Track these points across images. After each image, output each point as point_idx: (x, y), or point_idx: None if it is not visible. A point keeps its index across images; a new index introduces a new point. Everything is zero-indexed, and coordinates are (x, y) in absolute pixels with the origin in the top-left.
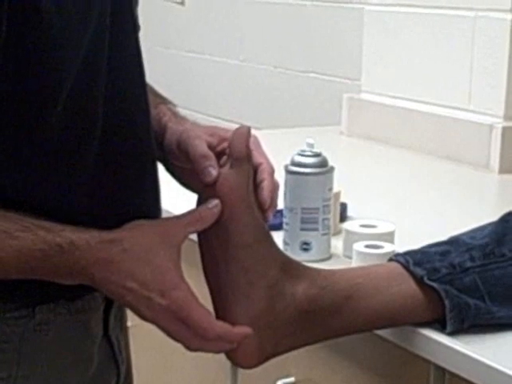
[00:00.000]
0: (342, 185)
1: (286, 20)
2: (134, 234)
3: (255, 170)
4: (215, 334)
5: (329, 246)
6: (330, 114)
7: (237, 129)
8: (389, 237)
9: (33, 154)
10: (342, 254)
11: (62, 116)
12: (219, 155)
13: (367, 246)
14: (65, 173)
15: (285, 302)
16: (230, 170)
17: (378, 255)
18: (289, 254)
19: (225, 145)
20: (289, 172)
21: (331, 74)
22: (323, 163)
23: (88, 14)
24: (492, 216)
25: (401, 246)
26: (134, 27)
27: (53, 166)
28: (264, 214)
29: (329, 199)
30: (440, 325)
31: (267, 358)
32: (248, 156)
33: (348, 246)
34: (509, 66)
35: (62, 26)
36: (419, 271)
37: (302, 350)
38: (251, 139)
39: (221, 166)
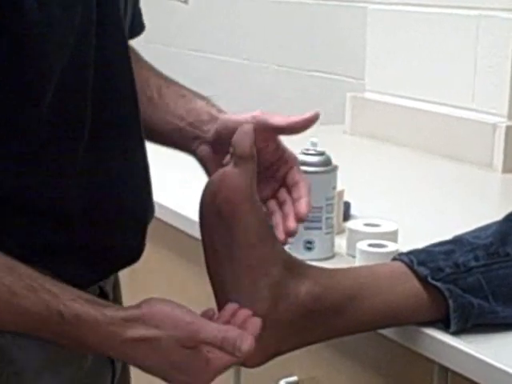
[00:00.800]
0: (346, 184)
1: (290, 19)
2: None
3: (293, 183)
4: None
5: (332, 244)
6: (333, 113)
7: (240, 127)
8: (392, 236)
9: (21, 150)
10: (345, 253)
11: (49, 112)
12: None
13: (371, 245)
14: (54, 167)
15: (288, 301)
16: (233, 169)
17: (382, 254)
18: (292, 252)
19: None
20: None
21: (335, 73)
22: (327, 162)
23: (72, 9)
24: (495, 215)
25: (404, 245)
26: (121, 21)
27: (42, 160)
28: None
29: (332, 198)
30: (444, 324)
31: (270, 357)
32: (252, 155)
33: (351, 245)
34: None
35: (44, 22)
36: (423, 270)
37: (305, 350)
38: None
39: (224, 165)
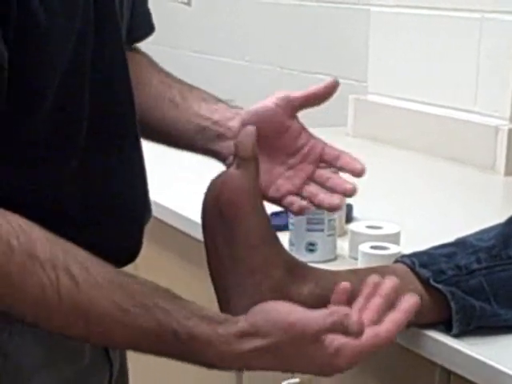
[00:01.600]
0: None
1: (293, 21)
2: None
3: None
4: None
5: (334, 246)
6: (335, 115)
7: (243, 129)
8: (394, 238)
9: (18, 150)
10: (347, 255)
11: (48, 112)
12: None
13: (373, 247)
14: (51, 167)
15: (290, 302)
16: (236, 171)
17: (384, 256)
18: (294, 254)
19: None
20: None
21: (337, 75)
22: None
23: (73, 11)
24: (498, 218)
25: (406, 247)
26: (117, 22)
27: (39, 160)
28: None
29: None
30: (446, 327)
31: None
32: (254, 156)
33: (354, 247)
34: None
35: (49, 23)
36: (425, 273)
37: None
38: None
39: (227, 167)
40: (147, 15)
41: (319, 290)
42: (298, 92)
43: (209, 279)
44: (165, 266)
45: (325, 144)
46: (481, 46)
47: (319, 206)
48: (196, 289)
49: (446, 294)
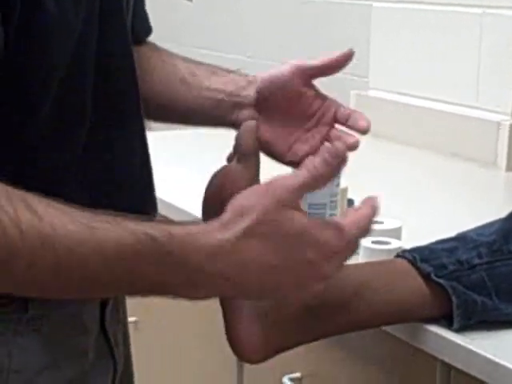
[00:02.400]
0: (349, 181)
1: (294, 16)
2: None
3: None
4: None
5: None
6: None
7: (244, 124)
8: (396, 233)
9: (22, 142)
10: None
11: (53, 105)
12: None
13: (374, 242)
14: (55, 160)
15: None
16: (237, 165)
17: (385, 251)
18: None
19: None
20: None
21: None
22: None
23: (80, 2)
24: (499, 213)
25: (407, 242)
26: (122, 12)
27: (43, 153)
28: None
29: (336, 195)
30: (447, 321)
31: (273, 353)
32: (255, 151)
33: None
34: None
35: (59, 14)
36: (426, 267)
37: (308, 346)
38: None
39: (228, 161)
40: (146, 17)
41: None
42: (314, 60)
43: None
44: None
45: (338, 105)
46: (482, 42)
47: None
48: None
49: (447, 289)
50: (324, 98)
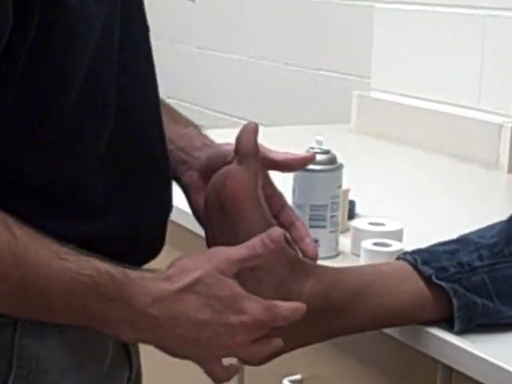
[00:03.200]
0: (351, 182)
1: (297, 17)
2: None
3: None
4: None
5: (336, 243)
6: (339, 112)
7: (245, 125)
8: (397, 235)
9: (48, 139)
10: (349, 252)
11: (76, 102)
12: None
13: (375, 244)
14: (80, 155)
15: (292, 299)
16: (237, 167)
17: (386, 253)
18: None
19: None
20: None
21: (341, 72)
22: (332, 160)
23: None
24: (501, 215)
25: (409, 244)
26: (142, 5)
27: (67, 148)
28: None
29: (337, 196)
30: (448, 324)
31: (274, 355)
32: (255, 153)
33: (356, 244)
34: None
35: (81, 9)
36: (427, 270)
37: (308, 348)
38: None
39: (228, 163)
40: None
41: (321, 286)
42: (277, 153)
43: None
44: None
45: (283, 205)
46: (485, 43)
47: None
48: None
49: (448, 291)
50: (275, 187)
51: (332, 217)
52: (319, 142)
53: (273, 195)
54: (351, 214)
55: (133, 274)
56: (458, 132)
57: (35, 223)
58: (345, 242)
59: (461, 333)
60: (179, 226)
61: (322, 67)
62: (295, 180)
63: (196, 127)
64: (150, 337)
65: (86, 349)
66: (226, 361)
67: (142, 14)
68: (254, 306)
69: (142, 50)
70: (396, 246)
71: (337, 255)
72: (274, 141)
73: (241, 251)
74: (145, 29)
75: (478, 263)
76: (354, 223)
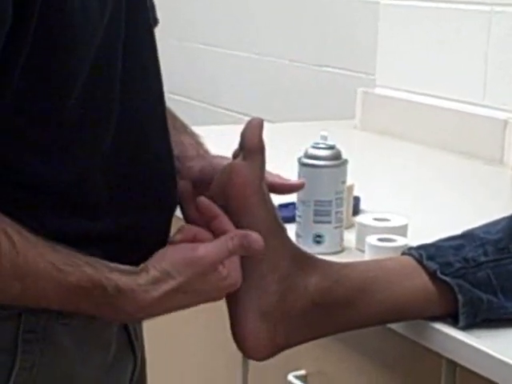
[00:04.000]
0: (356, 178)
1: (302, 13)
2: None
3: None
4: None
5: (341, 239)
6: (344, 108)
7: (250, 121)
8: (402, 230)
9: (49, 139)
10: (354, 248)
11: (78, 102)
12: None
13: (380, 240)
14: (82, 156)
15: (297, 294)
16: (242, 162)
17: (391, 249)
18: (301, 246)
19: None
20: (302, 164)
21: (346, 68)
22: (337, 156)
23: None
24: (505, 211)
25: (414, 239)
26: (147, 11)
27: (71, 146)
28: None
29: (342, 192)
30: (452, 319)
31: (279, 351)
32: (260, 148)
33: (361, 239)
34: None
35: (82, 10)
36: (432, 265)
37: (313, 343)
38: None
39: (234, 158)
40: (153, 7)
41: (326, 281)
42: (269, 175)
43: None
44: None
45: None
46: (490, 40)
47: None
48: None
49: (453, 287)
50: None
51: (337, 212)
52: (324, 138)
53: None
54: (356, 210)
55: (123, 285)
56: (463, 128)
57: (37, 221)
58: (349, 237)
59: (465, 328)
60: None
61: (327, 64)
62: (300, 175)
63: (192, 135)
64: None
65: (89, 342)
66: (230, 357)
67: (147, 11)
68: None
69: (147, 49)
70: (401, 241)
71: (342, 251)
72: (278, 137)
73: (222, 252)
74: (149, 26)
75: (483, 259)
76: (359, 219)
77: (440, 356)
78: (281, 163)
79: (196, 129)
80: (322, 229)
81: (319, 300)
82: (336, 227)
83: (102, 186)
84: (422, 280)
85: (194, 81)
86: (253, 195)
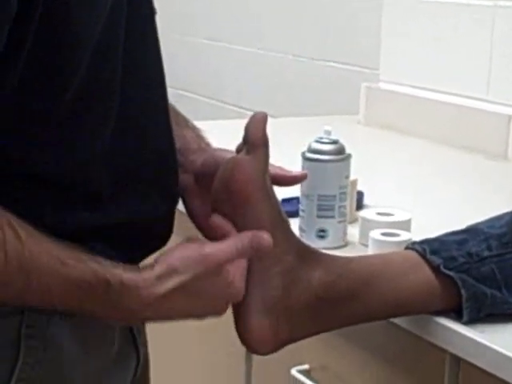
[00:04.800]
0: (359, 173)
1: (305, 8)
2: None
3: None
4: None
5: (345, 233)
6: (347, 103)
7: (253, 115)
8: (405, 225)
9: (51, 131)
10: (357, 242)
11: (80, 92)
12: None
13: (383, 234)
14: (83, 147)
15: (300, 288)
16: (246, 157)
17: (395, 243)
18: (305, 240)
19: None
20: (306, 159)
21: (349, 63)
22: (340, 150)
23: None
24: (509, 206)
25: (417, 234)
26: (151, 7)
27: (71, 141)
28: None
29: (345, 186)
30: (456, 314)
31: (282, 345)
32: (264, 142)
33: (364, 234)
34: None
35: (80, 3)
36: (436, 260)
37: (316, 338)
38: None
39: (238, 152)
40: None
41: (329, 275)
42: (273, 167)
43: None
44: None
45: None
46: (494, 34)
47: None
48: None
49: (456, 281)
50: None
51: (340, 207)
52: (328, 132)
53: None
54: (359, 205)
55: (128, 281)
56: (467, 123)
57: (37, 212)
58: (353, 232)
59: (469, 323)
60: (185, 215)
61: (331, 59)
62: (303, 170)
63: (194, 129)
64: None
65: (91, 338)
66: (234, 352)
67: (149, 2)
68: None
69: (149, 41)
70: (404, 236)
71: (345, 245)
72: (282, 132)
73: (230, 251)
74: (151, 13)
75: (486, 253)
76: (363, 213)
77: (443, 351)
78: (284, 158)
79: (199, 123)
80: (326, 223)
81: (323, 294)
82: (339, 222)
83: (102, 178)
84: (425, 274)
85: (197, 75)
86: (256, 190)
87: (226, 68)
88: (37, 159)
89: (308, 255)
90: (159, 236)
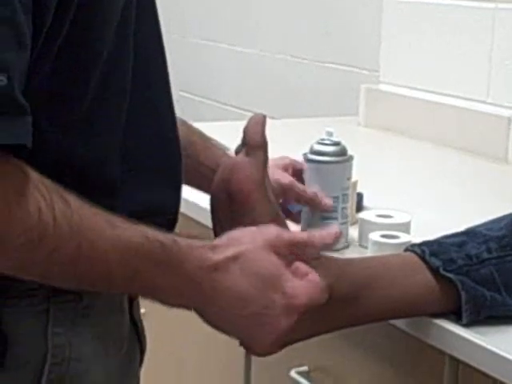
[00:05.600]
0: (359, 175)
1: (305, 9)
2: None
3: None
4: None
5: (347, 235)
6: (347, 105)
7: (252, 116)
8: (405, 227)
9: (78, 118)
10: (357, 244)
11: (100, 79)
12: None
13: (383, 236)
14: (103, 133)
15: None
16: (245, 158)
17: (394, 245)
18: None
19: None
20: (308, 160)
21: (349, 65)
22: (343, 152)
23: None
24: (509, 208)
25: (417, 236)
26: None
27: (92, 127)
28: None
29: (348, 188)
30: (455, 316)
31: (282, 346)
32: (263, 144)
33: (364, 236)
34: None
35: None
36: (435, 262)
37: (316, 339)
38: None
39: (236, 154)
40: None
41: (329, 277)
42: (304, 191)
43: None
44: None
45: None
46: (494, 37)
47: None
48: None
49: (456, 283)
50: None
51: (343, 208)
52: (330, 134)
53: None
54: (359, 207)
55: (182, 242)
56: (467, 125)
57: None
58: (352, 233)
59: (468, 325)
60: (189, 218)
61: (331, 60)
62: (306, 171)
63: (219, 146)
64: (194, 304)
65: (108, 335)
66: (233, 353)
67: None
68: (299, 289)
69: (154, 34)
70: (404, 238)
71: (347, 246)
72: (282, 133)
73: (294, 234)
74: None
75: (486, 255)
76: (362, 215)
77: (443, 353)
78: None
79: (199, 124)
80: (329, 225)
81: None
82: (342, 223)
83: (118, 164)
84: (424, 276)
85: (196, 76)
86: (255, 191)
87: (226, 69)
88: (57, 144)
89: None
90: (167, 224)
